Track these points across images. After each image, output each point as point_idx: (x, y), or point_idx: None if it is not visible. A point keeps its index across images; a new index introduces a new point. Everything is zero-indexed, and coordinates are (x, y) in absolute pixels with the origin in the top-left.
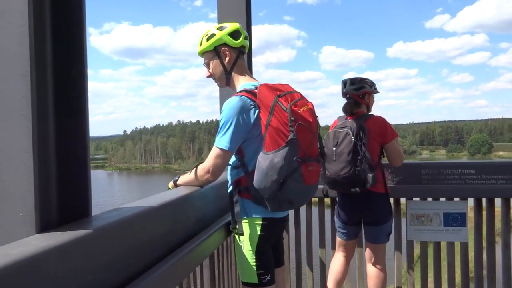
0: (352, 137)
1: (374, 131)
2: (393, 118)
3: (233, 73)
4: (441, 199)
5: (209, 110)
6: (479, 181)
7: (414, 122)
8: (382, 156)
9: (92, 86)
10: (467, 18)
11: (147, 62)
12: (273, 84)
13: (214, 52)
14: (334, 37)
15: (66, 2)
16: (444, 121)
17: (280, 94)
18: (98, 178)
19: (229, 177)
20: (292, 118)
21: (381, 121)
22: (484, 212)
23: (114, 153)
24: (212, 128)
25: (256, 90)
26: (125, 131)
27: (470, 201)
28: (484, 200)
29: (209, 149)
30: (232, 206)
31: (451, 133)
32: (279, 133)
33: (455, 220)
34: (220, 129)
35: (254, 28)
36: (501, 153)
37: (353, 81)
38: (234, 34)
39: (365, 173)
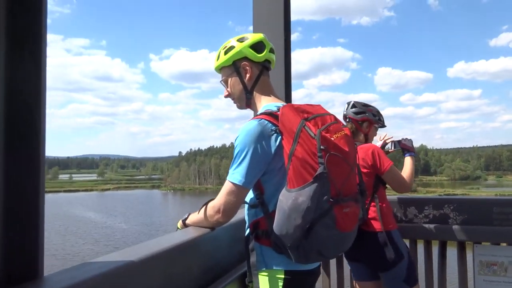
0: None
1: (360, 162)
2: (455, 141)
3: (254, 92)
4: None
5: None
6: None
7: (478, 146)
8: (383, 187)
9: (152, 109)
10: None
11: (203, 86)
12: (300, 105)
13: (232, 67)
14: (390, 58)
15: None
16: None
17: (308, 117)
18: (154, 197)
19: (246, 218)
20: (322, 147)
21: (368, 149)
22: None
23: (170, 173)
24: None
25: (278, 113)
26: (180, 153)
27: None
28: None
29: None
30: (248, 254)
31: None
32: (306, 165)
33: None
34: (234, 159)
35: (307, 52)
36: None
37: (356, 104)
38: (257, 46)
39: None
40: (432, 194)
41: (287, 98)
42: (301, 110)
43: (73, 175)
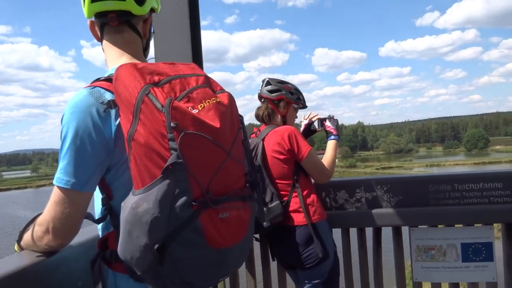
0: None
1: (275, 147)
2: (389, 116)
3: (102, 46)
4: (457, 225)
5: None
6: (508, 198)
7: (410, 120)
8: (305, 174)
9: None
10: (456, 15)
11: None
12: (148, 64)
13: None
14: (326, 39)
15: None
16: (440, 118)
17: (159, 81)
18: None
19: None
20: (172, 124)
21: (283, 132)
22: None
23: None
24: None
25: None
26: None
27: (497, 227)
28: None
29: None
30: (94, 283)
31: (447, 129)
32: (151, 153)
33: (478, 252)
34: (60, 151)
35: (245, 34)
36: (498, 147)
37: (271, 81)
38: None
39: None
40: (370, 169)
41: None
42: (148, 71)
43: (3, 173)
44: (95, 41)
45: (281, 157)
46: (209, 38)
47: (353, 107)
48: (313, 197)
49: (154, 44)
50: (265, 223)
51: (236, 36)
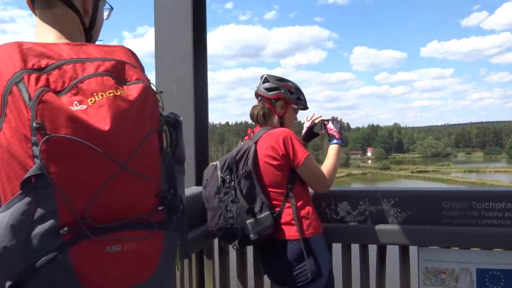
0: (219, 172)
1: (269, 151)
2: (427, 119)
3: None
4: (472, 249)
5: (239, 112)
6: None
7: (449, 124)
8: (300, 182)
9: None
10: (506, 15)
11: None
12: (39, 45)
13: None
14: (366, 37)
15: None
16: (482, 122)
17: (45, 66)
18: None
19: None
20: (35, 125)
21: (278, 136)
22: None
23: None
24: (241, 130)
25: None
26: None
27: None
28: None
29: None
30: None
31: (489, 134)
32: (13, 161)
33: (496, 281)
34: None
35: (284, 30)
36: None
37: (269, 78)
38: None
39: (242, 221)
40: (404, 171)
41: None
42: (35, 53)
43: None
44: (136, 31)
45: (275, 163)
46: (247, 33)
47: (390, 108)
48: (308, 208)
49: (155, 41)
50: (252, 236)
51: (275, 32)
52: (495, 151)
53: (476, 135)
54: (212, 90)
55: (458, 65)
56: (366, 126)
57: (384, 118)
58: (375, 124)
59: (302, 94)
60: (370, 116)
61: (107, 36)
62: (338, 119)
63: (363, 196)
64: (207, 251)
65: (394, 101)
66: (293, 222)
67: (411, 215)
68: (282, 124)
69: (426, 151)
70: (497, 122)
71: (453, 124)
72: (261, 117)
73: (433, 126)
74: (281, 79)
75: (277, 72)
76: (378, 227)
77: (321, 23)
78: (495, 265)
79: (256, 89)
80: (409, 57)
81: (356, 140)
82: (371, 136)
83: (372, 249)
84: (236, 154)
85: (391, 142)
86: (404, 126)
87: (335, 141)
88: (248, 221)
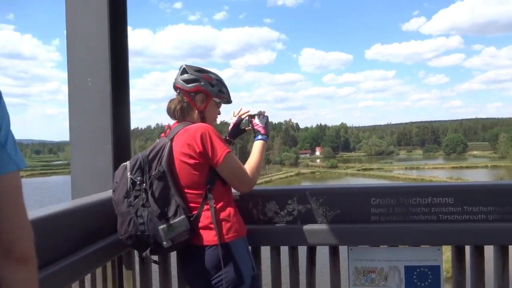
0: (129, 173)
1: (185, 149)
2: (372, 119)
3: None
4: (401, 246)
5: None
6: (460, 216)
7: (392, 123)
8: (221, 182)
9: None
10: (442, 21)
11: None
12: None
13: None
14: (314, 39)
15: None
16: (421, 122)
17: None
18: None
19: None
20: None
21: (195, 131)
22: (467, 265)
23: None
24: None
25: None
26: None
27: (446, 249)
28: (468, 248)
29: None
30: None
31: (428, 133)
32: None
33: (424, 277)
34: None
35: (234, 31)
36: (475, 152)
37: (187, 69)
38: None
39: (153, 227)
40: (351, 170)
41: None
42: None
43: None
44: None
45: (191, 161)
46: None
47: (337, 108)
48: (229, 210)
49: (67, 40)
50: (165, 243)
51: (224, 33)
52: (433, 149)
53: (416, 134)
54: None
55: (400, 68)
56: (314, 126)
57: (332, 118)
58: (323, 124)
59: (225, 86)
60: (318, 117)
61: (49, 36)
62: (265, 114)
63: (292, 195)
64: (126, 260)
65: (341, 102)
66: (212, 225)
67: (340, 214)
68: (203, 120)
69: (371, 149)
70: (434, 121)
71: (395, 124)
72: (179, 112)
73: (377, 125)
74: (201, 70)
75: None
76: (307, 227)
77: (271, 24)
78: (423, 262)
79: (174, 80)
80: (354, 59)
81: (305, 140)
82: (319, 136)
83: (302, 250)
84: (149, 153)
85: (338, 141)
86: (351, 126)
87: (259, 137)
88: (161, 227)
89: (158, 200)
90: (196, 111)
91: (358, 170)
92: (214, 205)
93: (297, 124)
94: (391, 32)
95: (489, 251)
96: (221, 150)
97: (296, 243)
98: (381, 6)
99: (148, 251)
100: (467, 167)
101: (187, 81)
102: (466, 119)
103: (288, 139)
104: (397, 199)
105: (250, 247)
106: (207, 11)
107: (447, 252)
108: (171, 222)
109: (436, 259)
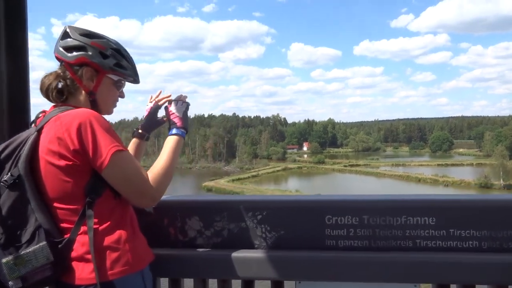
0: None
1: (52, 145)
2: (360, 115)
3: None
4: (364, 283)
5: None
6: (443, 242)
7: (379, 120)
8: (111, 192)
9: None
10: (430, 18)
11: None
12: None
13: None
14: (303, 34)
15: None
16: (408, 119)
17: None
18: None
19: None
20: None
21: (71, 121)
22: None
23: None
24: None
25: None
26: None
27: (425, 287)
28: (454, 287)
29: None
30: None
31: (414, 130)
32: None
33: None
34: None
35: (222, 24)
36: (461, 150)
37: (71, 32)
38: None
39: None
40: (338, 165)
41: None
42: None
43: None
44: (67, 19)
45: (62, 163)
46: (185, 26)
47: (325, 103)
48: (119, 234)
49: None
50: (11, 284)
51: (213, 25)
52: (419, 146)
53: (402, 130)
54: (149, 83)
55: (387, 64)
56: (302, 121)
57: (320, 113)
58: (311, 119)
59: (127, 58)
60: (306, 112)
61: (34, 23)
62: (186, 100)
63: (220, 208)
64: None
65: (329, 97)
66: (89, 256)
67: (284, 236)
68: (93, 104)
69: (358, 145)
70: (421, 118)
71: (383, 120)
72: (54, 92)
73: (364, 121)
74: (90, 34)
75: (216, 66)
76: (241, 254)
77: (260, 18)
78: None
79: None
80: (343, 55)
81: (292, 135)
82: (307, 131)
83: (237, 284)
84: (3, 150)
85: (326, 137)
86: (338, 122)
87: (174, 130)
88: (4, 260)
89: (7, 218)
90: (83, 92)
91: (345, 166)
92: (96, 227)
93: (285, 119)
94: (379, 29)
95: None
96: (107, 147)
97: (226, 275)
98: (370, 2)
99: None
100: (453, 165)
101: (68, 49)
102: (452, 117)
103: (276, 134)
104: (360, 218)
105: (169, 280)
106: (196, 3)
107: None
108: (22, 252)
109: None
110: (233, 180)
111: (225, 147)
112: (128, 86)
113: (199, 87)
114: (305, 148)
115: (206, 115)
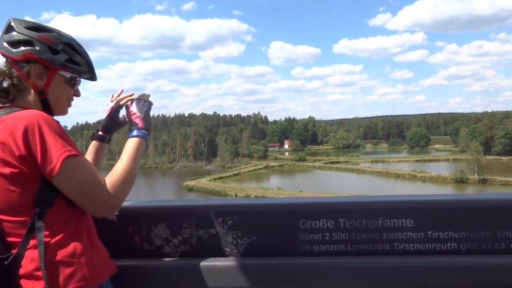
0: None
1: (2, 151)
2: (339, 112)
3: None
4: None
5: (156, 105)
6: (422, 244)
7: (359, 117)
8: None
9: None
10: (407, 17)
11: (91, 55)
12: None
13: None
14: (283, 32)
15: None
16: (386, 116)
17: None
18: None
19: None
20: None
21: (17, 123)
22: None
23: None
24: (158, 124)
25: None
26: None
27: None
28: None
29: (155, 146)
30: None
31: (393, 127)
32: None
33: None
34: None
35: (203, 22)
36: (437, 146)
37: (15, 25)
38: None
39: None
40: (319, 163)
41: None
42: None
43: None
44: (41, 17)
45: (7, 170)
46: (164, 24)
47: (306, 101)
48: (74, 246)
49: None
50: None
51: (193, 24)
52: (398, 142)
53: (381, 127)
54: (129, 82)
55: (366, 62)
56: (283, 119)
57: (300, 111)
58: (291, 117)
59: (82, 54)
60: (287, 110)
61: (3, 21)
62: (148, 99)
63: (189, 214)
64: None
65: (309, 95)
66: (39, 273)
67: (257, 242)
68: (45, 104)
69: (338, 142)
70: (399, 115)
71: (362, 118)
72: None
73: (344, 119)
74: (37, 27)
75: (196, 65)
76: (211, 262)
77: (240, 16)
78: None
79: None
80: (322, 53)
81: (273, 133)
82: (288, 129)
83: None
84: None
85: (307, 134)
86: (319, 119)
87: (135, 132)
88: None
89: None
90: (32, 91)
91: (326, 163)
92: (47, 240)
93: (266, 117)
94: (358, 27)
95: None
96: (58, 152)
97: (196, 286)
98: (348, 1)
99: None
100: (430, 160)
101: (13, 44)
102: (429, 114)
103: (257, 132)
104: (335, 221)
105: None
106: (175, 1)
107: None
108: None
109: None
110: (214, 179)
111: (206, 146)
112: (108, 86)
113: (179, 86)
114: (286, 146)
115: (186, 114)
